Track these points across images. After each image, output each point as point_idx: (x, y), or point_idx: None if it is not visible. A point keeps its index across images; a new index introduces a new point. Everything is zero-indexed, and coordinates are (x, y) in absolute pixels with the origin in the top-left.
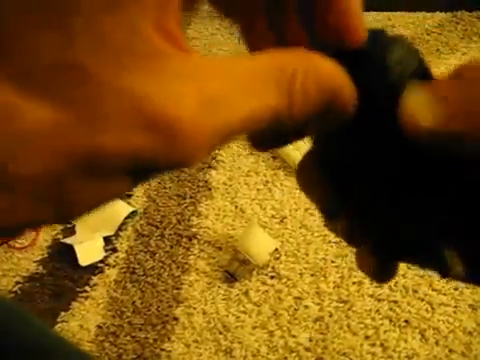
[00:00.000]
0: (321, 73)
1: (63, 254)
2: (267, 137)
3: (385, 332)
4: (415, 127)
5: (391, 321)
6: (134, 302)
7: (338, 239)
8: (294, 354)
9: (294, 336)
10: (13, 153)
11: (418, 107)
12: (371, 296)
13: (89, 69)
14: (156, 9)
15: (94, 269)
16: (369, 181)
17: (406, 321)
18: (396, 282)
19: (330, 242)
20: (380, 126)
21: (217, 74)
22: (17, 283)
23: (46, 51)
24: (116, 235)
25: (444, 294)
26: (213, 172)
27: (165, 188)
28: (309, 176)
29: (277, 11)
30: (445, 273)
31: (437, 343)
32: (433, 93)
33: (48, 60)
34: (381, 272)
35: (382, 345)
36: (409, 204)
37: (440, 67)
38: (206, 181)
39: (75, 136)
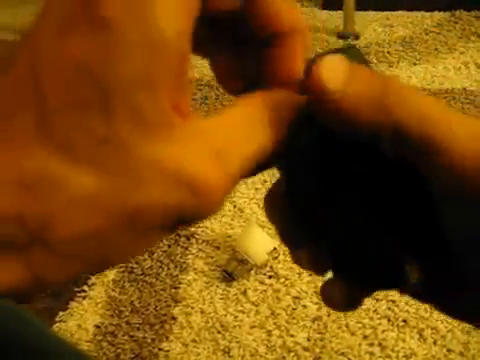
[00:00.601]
0: (288, 103)
1: None
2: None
3: (383, 332)
4: (321, 87)
5: (389, 321)
6: (132, 302)
7: None
8: (292, 354)
9: (292, 336)
10: (54, 218)
11: (332, 71)
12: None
13: (126, 141)
14: (174, 91)
15: None
16: (329, 203)
17: (404, 321)
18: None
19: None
20: (336, 150)
21: (218, 130)
22: None
23: (89, 127)
24: None
25: None
26: None
27: None
28: (275, 205)
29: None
30: (404, 287)
31: (435, 343)
32: (351, 70)
33: (91, 135)
34: (347, 300)
35: (380, 345)
36: (369, 222)
37: (438, 66)
38: None
39: (118, 199)
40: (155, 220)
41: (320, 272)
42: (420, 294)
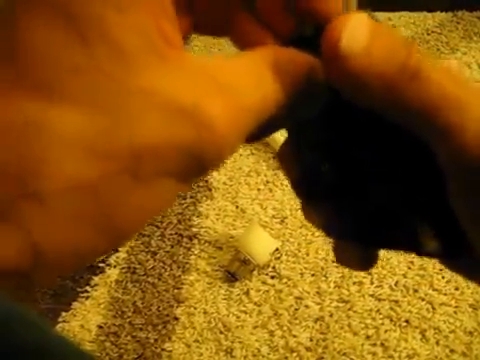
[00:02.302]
0: (295, 58)
1: None
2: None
3: (386, 332)
4: (336, 47)
5: (392, 321)
6: (135, 302)
7: None
8: (295, 354)
9: (295, 336)
10: (39, 168)
11: (351, 32)
12: (372, 296)
13: (110, 73)
14: (155, 16)
15: (95, 269)
16: (341, 158)
17: (407, 321)
18: (397, 282)
19: (331, 242)
20: (341, 105)
21: (222, 69)
22: None
23: (67, 59)
24: None
25: (445, 294)
26: (214, 172)
27: None
28: (287, 158)
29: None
30: (419, 250)
31: (438, 343)
32: (373, 31)
33: (70, 67)
34: (362, 258)
35: (383, 345)
36: (380, 180)
37: None
38: (207, 181)
39: (111, 138)
40: (161, 162)
41: (332, 231)
42: (437, 255)
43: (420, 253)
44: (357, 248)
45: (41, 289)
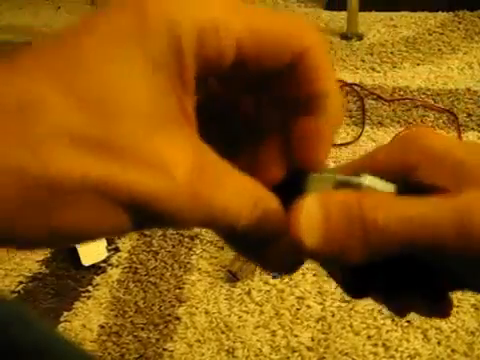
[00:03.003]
0: (272, 214)
1: (66, 254)
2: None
3: (387, 332)
4: (300, 244)
5: (393, 321)
6: (136, 302)
7: None
8: (296, 354)
9: (296, 336)
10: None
11: (306, 226)
12: None
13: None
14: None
15: (97, 269)
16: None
17: (408, 321)
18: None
19: None
20: None
21: (213, 163)
22: (20, 283)
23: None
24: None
25: None
26: None
27: None
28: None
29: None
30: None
31: (439, 343)
32: (322, 208)
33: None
34: (438, 308)
35: (384, 345)
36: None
37: (442, 67)
38: None
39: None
40: (116, 195)
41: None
42: None
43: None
44: (429, 303)
45: (43, 289)
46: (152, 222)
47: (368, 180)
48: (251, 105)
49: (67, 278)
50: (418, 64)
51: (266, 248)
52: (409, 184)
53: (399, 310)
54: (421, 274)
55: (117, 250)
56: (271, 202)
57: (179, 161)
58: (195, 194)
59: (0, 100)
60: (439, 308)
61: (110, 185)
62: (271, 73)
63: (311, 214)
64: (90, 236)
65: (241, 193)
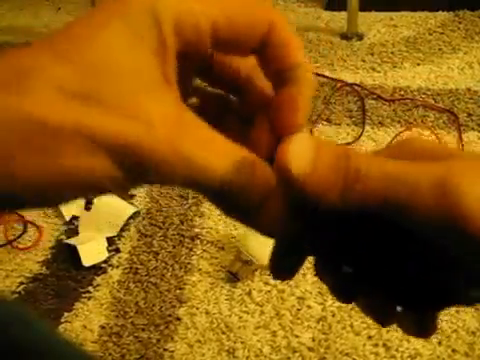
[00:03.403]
0: (258, 170)
1: (66, 255)
2: (282, 263)
3: (388, 332)
4: (287, 171)
5: None
6: (137, 302)
7: None
8: (297, 354)
9: (297, 336)
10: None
11: (295, 154)
12: None
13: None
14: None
15: (97, 270)
16: (357, 259)
17: None
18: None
19: None
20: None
21: (199, 127)
22: (21, 284)
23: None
24: (119, 236)
25: None
26: None
27: (167, 189)
28: (318, 271)
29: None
30: (468, 302)
31: (440, 343)
32: (313, 146)
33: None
34: (421, 326)
35: (385, 345)
36: (401, 266)
37: (442, 67)
38: None
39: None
40: (94, 138)
41: (383, 318)
42: None
43: (469, 303)
44: (414, 318)
45: (43, 290)
46: (139, 173)
47: None
48: (237, 99)
49: (68, 279)
50: (418, 64)
51: (256, 211)
52: None
53: (383, 319)
54: (409, 282)
55: (118, 251)
56: (257, 163)
57: (161, 116)
58: (175, 148)
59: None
60: (422, 323)
61: (99, 132)
62: (245, 54)
63: (302, 146)
64: (85, 184)
65: (223, 154)
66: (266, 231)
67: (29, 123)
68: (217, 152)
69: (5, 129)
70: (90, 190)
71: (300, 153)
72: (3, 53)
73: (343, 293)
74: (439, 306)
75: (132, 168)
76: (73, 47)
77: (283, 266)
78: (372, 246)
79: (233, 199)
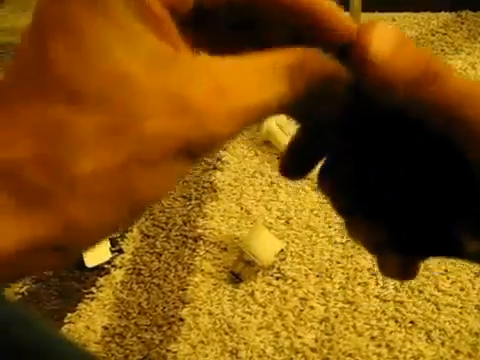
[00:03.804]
0: (313, 61)
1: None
2: (296, 160)
3: (391, 333)
4: (365, 53)
5: (397, 322)
6: (140, 303)
7: (344, 240)
8: (300, 355)
9: (300, 337)
10: (66, 158)
11: (379, 37)
12: (377, 297)
13: (128, 72)
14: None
15: (100, 270)
16: (380, 174)
17: (412, 322)
18: (401, 283)
19: (336, 243)
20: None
21: (225, 69)
22: (24, 284)
23: (89, 65)
24: (122, 236)
25: (450, 295)
26: (218, 173)
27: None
28: (324, 180)
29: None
30: (461, 253)
31: (443, 344)
32: (397, 35)
33: (92, 74)
34: (404, 269)
35: (388, 346)
36: (418, 190)
37: None
38: (211, 182)
39: (121, 131)
40: (166, 149)
41: (374, 248)
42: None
43: (462, 255)
44: (400, 259)
45: (46, 291)
46: (204, 154)
47: None
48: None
49: (71, 280)
50: None
51: (331, 102)
52: None
53: (371, 248)
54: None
55: (121, 251)
56: (293, 54)
57: (196, 91)
58: (226, 115)
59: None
60: (407, 267)
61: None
62: None
63: (385, 32)
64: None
65: (258, 72)
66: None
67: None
68: (250, 78)
69: None
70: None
71: (383, 37)
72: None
73: (344, 206)
74: (433, 252)
75: (202, 152)
76: (73, 82)
77: (300, 159)
78: (397, 159)
79: (306, 105)
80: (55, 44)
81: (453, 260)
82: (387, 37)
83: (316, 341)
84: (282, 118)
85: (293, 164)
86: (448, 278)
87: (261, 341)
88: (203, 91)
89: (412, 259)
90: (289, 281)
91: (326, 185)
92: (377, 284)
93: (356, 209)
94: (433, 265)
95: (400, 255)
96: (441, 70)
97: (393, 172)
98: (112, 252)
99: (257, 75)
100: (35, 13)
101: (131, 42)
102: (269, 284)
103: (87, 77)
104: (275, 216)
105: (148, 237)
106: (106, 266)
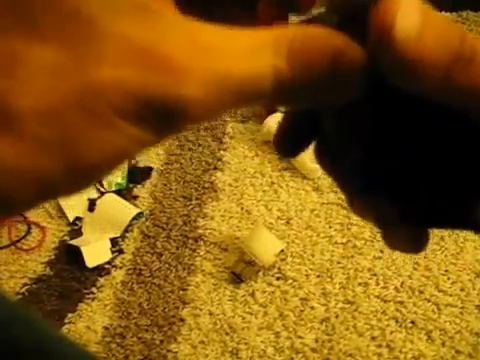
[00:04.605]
0: (318, 36)
1: (70, 256)
2: (289, 136)
3: (391, 333)
4: (387, 31)
5: (397, 322)
6: (141, 303)
7: (344, 240)
8: (300, 355)
9: (300, 337)
10: (16, 91)
11: (404, 13)
12: (377, 297)
13: (94, 16)
14: None
15: (101, 271)
16: (389, 147)
17: (412, 322)
18: (402, 283)
19: (336, 243)
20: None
21: (212, 33)
22: (24, 285)
23: (57, 3)
24: (122, 237)
25: (450, 295)
26: (219, 174)
27: (171, 190)
28: (326, 155)
29: None
30: (476, 226)
31: (444, 344)
32: (427, 13)
33: (58, 10)
34: (416, 240)
35: (388, 346)
36: (433, 164)
37: None
38: (212, 182)
39: (73, 73)
40: (119, 103)
41: (382, 222)
42: None
43: (477, 229)
44: (411, 231)
45: (47, 291)
46: (178, 127)
47: None
48: None
49: (71, 280)
50: None
51: (336, 89)
52: None
53: (381, 223)
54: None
55: (121, 252)
56: (302, 31)
57: (176, 48)
58: (208, 81)
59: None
60: (419, 238)
61: (138, 87)
62: None
63: (410, 6)
64: (117, 161)
65: (250, 40)
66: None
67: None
68: (249, 48)
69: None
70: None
71: (408, 12)
72: None
73: (348, 181)
74: (445, 225)
75: (167, 118)
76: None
77: (291, 139)
78: (412, 133)
79: (306, 91)
80: None
81: (453, 260)
82: (412, 12)
83: (317, 341)
84: None
85: (284, 144)
86: (449, 278)
87: (262, 341)
88: (179, 48)
89: (422, 230)
90: (290, 281)
91: (326, 162)
92: (378, 284)
93: (362, 184)
94: (434, 265)
95: (410, 226)
96: (478, 49)
97: (407, 145)
98: (112, 252)
99: (248, 43)
100: None
101: None
102: (270, 284)
103: (51, 13)
104: (275, 216)
105: (148, 237)
106: (106, 266)
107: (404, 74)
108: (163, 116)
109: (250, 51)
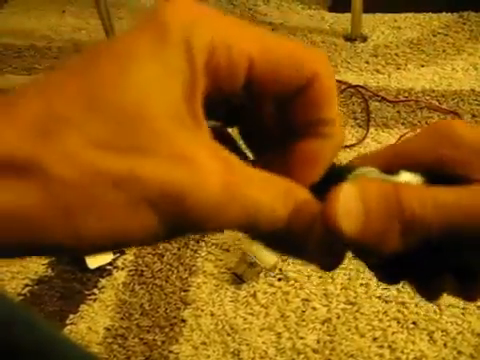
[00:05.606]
0: (302, 193)
1: (71, 257)
2: None
3: (393, 334)
4: (337, 231)
5: (399, 323)
6: (142, 304)
7: None
8: (302, 356)
9: (302, 338)
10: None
11: (343, 211)
12: (379, 298)
13: (150, 145)
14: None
15: (102, 272)
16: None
17: (414, 323)
18: (404, 283)
19: None
20: None
21: (233, 160)
22: (26, 286)
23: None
24: None
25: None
26: None
27: None
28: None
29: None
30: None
31: (445, 345)
32: (361, 197)
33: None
34: (471, 292)
35: (390, 347)
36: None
37: (446, 68)
38: None
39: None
40: (145, 190)
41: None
42: None
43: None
44: (463, 286)
45: (49, 292)
46: (184, 223)
47: (406, 177)
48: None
49: (73, 281)
50: (422, 65)
51: (306, 244)
52: (440, 176)
53: (431, 294)
54: (452, 257)
55: (123, 253)
56: (302, 193)
57: (206, 156)
58: (227, 186)
59: (26, 119)
60: (470, 289)
61: (139, 178)
62: (281, 96)
63: (349, 201)
64: (121, 241)
65: (270, 186)
66: (314, 262)
67: (54, 180)
68: (265, 185)
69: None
70: (126, 246)
71: (349, 210)
72: (32, 89)
73: (389, 274)
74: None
75: (177, 220)
76: (100, 94)
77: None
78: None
79: (286, 237)
80: (104, 66)
81: None
82: (352, 210)
83: (318, 342)
84: None
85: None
86: None
87: (263, 342)
88: (207, 155)
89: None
90: (291, 282)
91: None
92: (379, 285)
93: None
94: None
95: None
96: (414, 204)
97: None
98: (114, 253)
99: (262, 184)
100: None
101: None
102: (271, 285)
103: (116, 96)
104: None
105: None
106: (108, 267)
107: (367, 252)
108: (167, 209)
109: (265, 188)
